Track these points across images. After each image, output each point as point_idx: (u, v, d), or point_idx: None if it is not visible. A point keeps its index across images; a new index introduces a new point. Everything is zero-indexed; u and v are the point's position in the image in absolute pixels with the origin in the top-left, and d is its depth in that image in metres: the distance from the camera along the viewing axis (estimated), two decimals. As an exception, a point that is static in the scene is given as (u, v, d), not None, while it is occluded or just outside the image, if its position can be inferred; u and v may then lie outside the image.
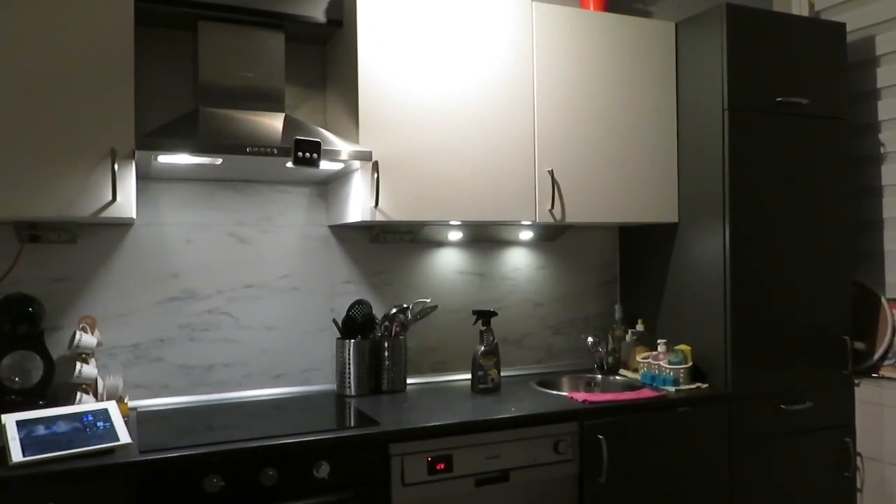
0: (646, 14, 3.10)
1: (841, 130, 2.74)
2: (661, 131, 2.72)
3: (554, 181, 2.52)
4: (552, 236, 2.92)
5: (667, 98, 2.72)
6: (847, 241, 2.75)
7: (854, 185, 2.95)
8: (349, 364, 2.44)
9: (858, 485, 2.76)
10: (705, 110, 2.61)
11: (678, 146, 2.74)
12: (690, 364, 2.54)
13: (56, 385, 2.11)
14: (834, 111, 2.72)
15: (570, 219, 2.54)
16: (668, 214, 2.73)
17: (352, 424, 2.05)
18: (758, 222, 2.56)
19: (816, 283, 2.68)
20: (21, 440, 1.69)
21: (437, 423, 2.05)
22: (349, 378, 2.44)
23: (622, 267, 3.08)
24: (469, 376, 2.67)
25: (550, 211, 2.51)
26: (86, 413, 1.83)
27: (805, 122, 2.66)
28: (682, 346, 2.57)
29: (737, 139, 2.53)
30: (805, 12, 3.20)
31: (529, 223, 2.53)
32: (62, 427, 1.77)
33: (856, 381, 2.77)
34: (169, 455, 1.75)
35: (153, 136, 1.92)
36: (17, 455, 1.65)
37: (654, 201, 2.70)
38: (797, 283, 2.64)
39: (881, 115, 2.88)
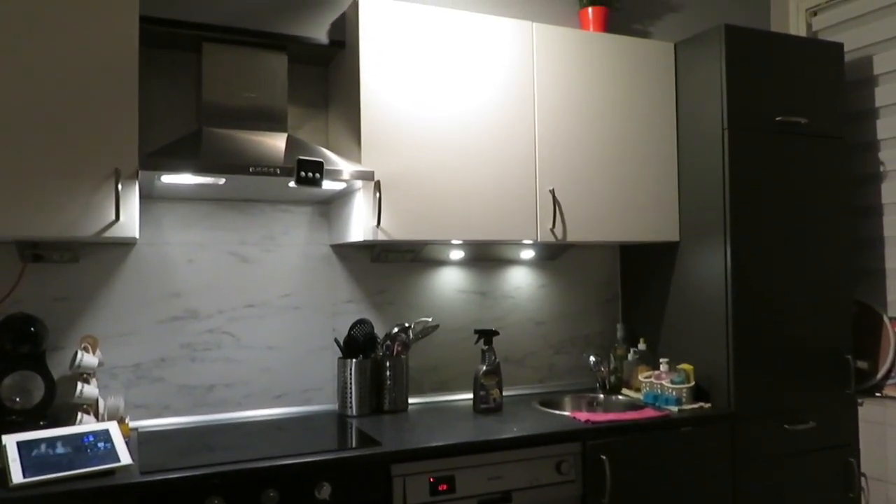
0: (645, 35, 3.13)
1: (840, 149, 2.75)
2: (662, 151, 2.73)
3: (555, 200, 2.52)
4: (553, 255, 2.92)
5: (666, 118, 2.74)
6: (847, 260, 2.75)
7: (853, 203, 2.96)
8: (350, 384, 2.43)
9: (863, 505, 2.74)
10: (705, 130, 2.62)
11: (678, 165, 2.75)
12: (693, 383, 2.54)
13: (57, 405, 2.11)
14: (833, 130, 2.74)
15: (571, 238, 2.55)
16: (669, 233, 2.73)
17: (353, 445, 2.04)
18: (759, 241, 2.57)
19: (818, 302, 2.68)
20: (21, 461, 1.68)
21: (440, 444, 2.04)
22: (350, 398, 2.43)
23: (623, 285, 3.08)
24: (471, 396, 2.66)
25: (552, 230, 2.52)
26: (87, 434, 1.82)
27: (804, 141, 2.68)
28: (685, 366, 2.56)
29: (736, 158, 2.54)
30: (803, 32, 3.23)
31: (531, 242, 2.54)
32: (63, 448, 1.76)
33: (859, 401, 2.76)
34: (170, 476, 1.74)
35: (157, 157, 1.93)
36: (17, 476, 1.64)
37: (654, 220, 2.71)
38: (799, 302, 2.64)
39: (880, 134, 2.90)
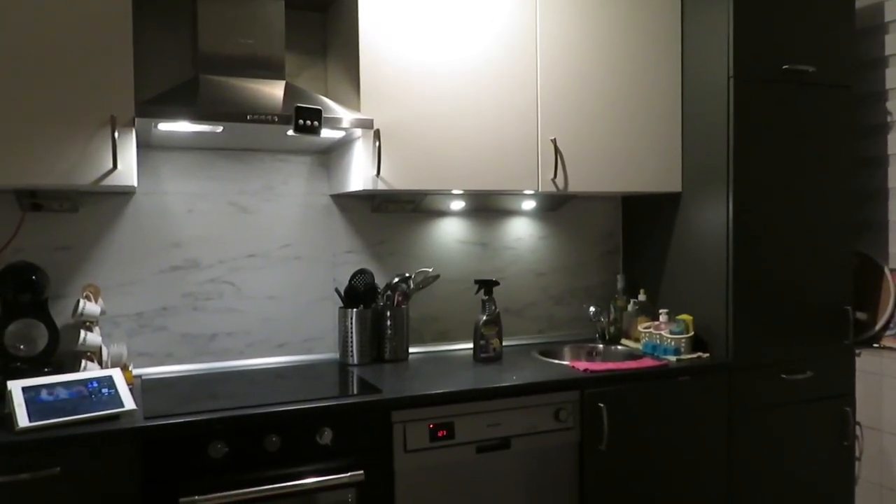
0: (651, -20, 3.05)
1: (847, 99, 2.71)
2: (666, 100, 2.69)
3: (557, 150, 2.50)
4: (554, 206, 2.91)
5: (671, 66, 2.69)
6: (851, 211, 2.74)
7: (859, 154, 2.92)
8: (351, 333, 2.45)
9: (857, 454, 2.78)
10: (710, 78, 2.58)
11: (682, 115, 2.72)
12: (692, 334, 2.55)
13: (61, 353, 2.13)
14: (841, 79, 2.69)
15: (572, 188, 2.53)
16: (672, 184, 2.71)
17: (354, 392, 2.07)
18: (761, 192, 2.55)
19: (819, 253, 2.67)
20: (27, 406, 1.71)
21: (439, 391, 2.07)
22: (351, 347, 2.46)
23: (625, 237, 3.08)
24: (471, 346, 2.69)
25: (553, 180, 2.50)
26: (90, 380, 1.85)
27: (811, 91, 2.63)
28: (684, 316, 2.57)
29: (741, 108, 2.50)
30: (813, -22, 3.14)
31: (532, 192, 2.52)
32: (67, 393, 1.79)
33: (857, 352, 2.77)
34: (174, 421, 1.77)
35: (153, 104, 1.90)
36: (23, 420, 1.67)
37: (657, 171, 2.68)
38: (800, 253, 2.63)
39: (889, 84, 2.85)
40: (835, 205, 2.70)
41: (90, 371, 1.96)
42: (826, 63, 2.65)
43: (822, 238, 2.68)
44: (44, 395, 1.76)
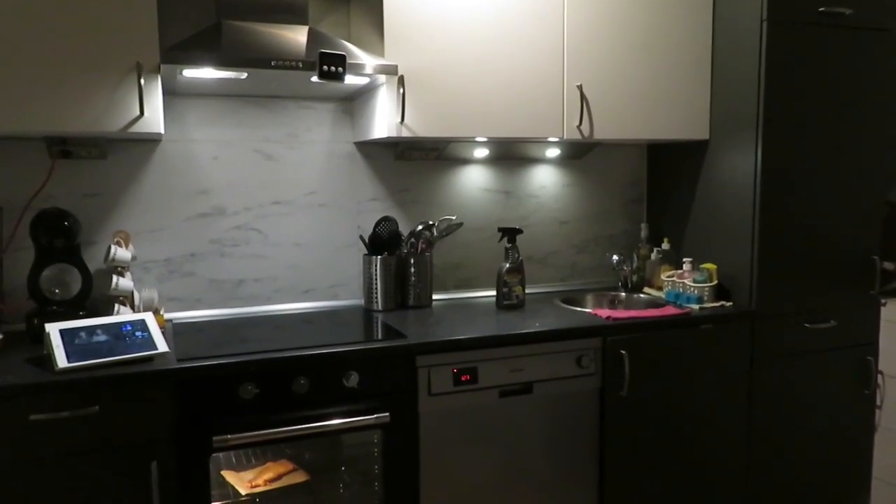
0: (683, -82, 2.94)
1: (886, 42, 2.62)
2: (695, 45, 2.63)
3: (582, 96, 2.46)
4: (579, 154, 2.88)
5: (702, 9, 2.62)
6: (883, 160, 2.68)
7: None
8: (376, 280, 2.48)
9: (878, 402, 2.79)
10: (742, 22, 2.50)
11: (712, 60, 2.65)
12: (715, 283, 2.55)
13: (94, 297, 2.18)
14: (879, 22, 2.60)
15: (598, 135, 2.50)
16: (699, 131, 2.67)
17: (380, 337, 2.11)
18: (792, 140, 2.50)
19: (848, 203, 2.63)
20: (65, 347, 1.77)
21: (463, 337, 2.10)
22: (376, 293, 2.49)
23: (649, 185, 3.05)
24: (494, 293, 2.71)
25: (578, 127, 2.47)
26: (124, 323, 1.90)
27: (848, 34, 2.55)
28: (708, 265, 2.56)
29: (774, 52, 2.44)
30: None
31: (557, 140, 2.50)
32: (103, 336, 1.84)
33: (882, 301, 2.76)
34: (206, 363, 1.82)
35: (177, 50, 1.90)
36: (62, 361, 1.73)
37: (684, 118, 2.64)
38: (828, 202, 2.59)
39: (929, 27, 2.75)
40: (867, 153, 2.64)
41: (123, 315, 2.01)
42: (864, 5, 2.56)
43: (852, 187, 2.63)
44: (80, 337, 1.82)
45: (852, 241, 2.66)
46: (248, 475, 2.13)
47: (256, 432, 1.88)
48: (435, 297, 2.69)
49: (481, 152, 2.71)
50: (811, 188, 2.56)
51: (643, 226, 2.93)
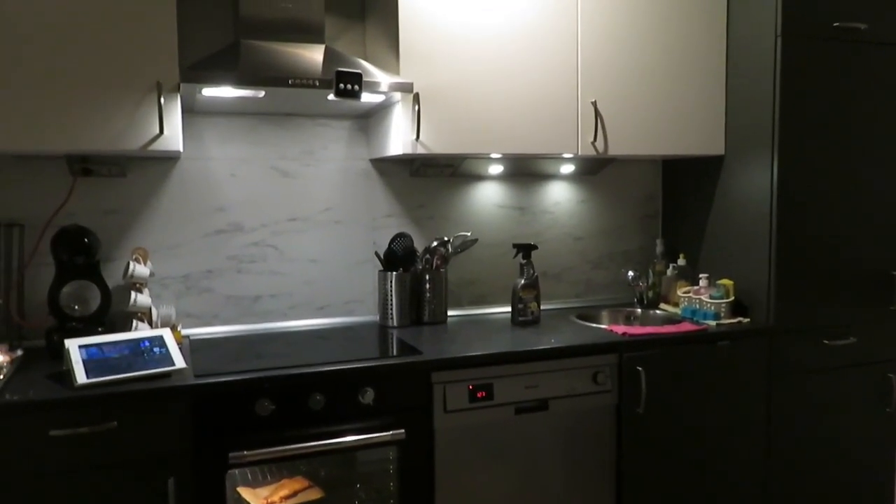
0: (697, -65, 2.95)
1: (901, 57, 2.62)
2: (710, 60, 2.63)
3: (597, 112, 2.47)
4: (594, 170, 2.88)
5: (717, 24, 2.62)
6: (901, 174, 2.66)
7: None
8: (391, 296, 2.49)
9: (899, 420, 2.75)
10: (757, 37, 2.51)
11: (727, 75, 2.65)
12: (732, 298, 2.53)
13: (112, 313, 2.21)
14: (894, 37, 2.59)
15: (613, 151, 2.51)
16: (715, 147, 2.67)
17: (395, 353, 2.11)
18: (808, 155, 2.49)
19: (866, 218, 2.61)
20: (84, 363, 1.78)
21: (479, 353, 2.10)
22: (391, 309, 2.49)
23: (665, 201, 3.04)
24: (509, 309, 2.71)
25: (593, 143, 2.47)
26: (143, 339, 1.92)
27: (863, 49, 2.54)
28: (725, 281, 2.55)
29: (789, 67, 2.43)
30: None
31: (571, 156, 2.51)
32: (121, 352, 1.86)
33: (902, 317, 2.72)
34: (223, 379, 1.83)
35: (197, 69, 1.93)
36: (81, 377, 1.75)
37: (700, 133, 2.64)
38: (846, 218, 2.58)
39: (946, 41, 2.73)
40: (884, 167, 2.62)
41: (141, 331, 2.03)
42: (880, 20, 2.55)
43: (870, 202, 2.61)
44: (99, 352, 1.83)
45: (871, 256, 2.64)
46: (263, 492, 2.13)
47: (272, 448, 1.88)
48: (450, 313, 2.69)
49: (496, 169, 2.72)
50: (828, 203, 2.54)
51: (658, 241, 2.92)
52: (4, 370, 1.84)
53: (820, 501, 2.64)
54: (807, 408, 2.57)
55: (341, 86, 2.01)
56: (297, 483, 2.16)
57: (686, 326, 2.44)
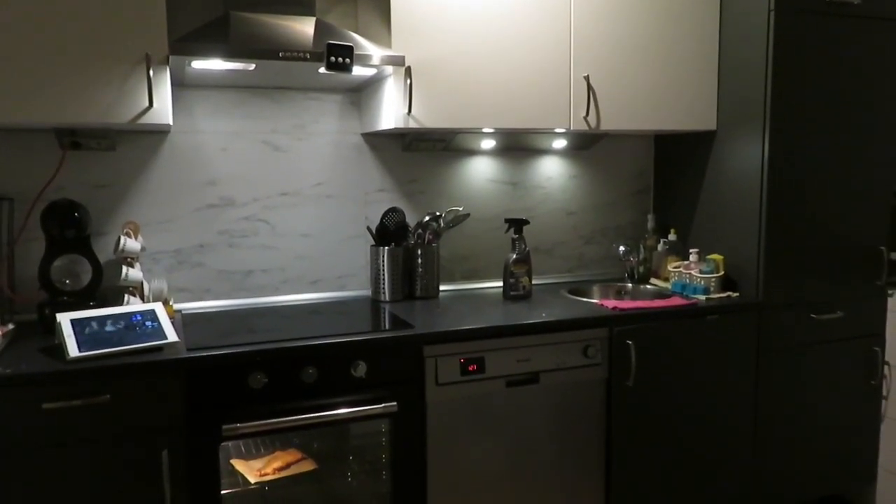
0: None
1: (895, 32, 2.61)
2: (702, 35, 2.62)
3: (589, 87, 2.46)
4: (586, 145, 2.88)
5: (710, -1, 2.61)
6: (891, 151, 2.67)
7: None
8: (383, 270, 2.49)
9: (885, 392, 2.79)
10: (750, 11, 2.49)
11: (719, 50, 2.64)
12: (722, 273, 2.55)
13: (104, 288, 2.20)
14: (888, 11, 2.58)
15: (605, 126, 2.50)
16: (706, 122, 2.67)
17: (387, 327, 2.12)
18: (800, 130, 2.50)
19: (856, 194, 2.63)
20: (76, 337, 1.78)
21: (471, 327, 2.11)
22: (383, 284, 2.50)
23: (656, 176, 3.05)
24: (501, 284, 2.72)
25: (585, 118, 2.47)
26: (134, 313, 1.92)
27: (856, 24, 2.54)
28: (715, 256, 2.57)
29: (782, 42, 2.43)
30: None
31: (563, 131, 2.50)
32: (113, 326, 1.86)
33: (889, 292, 2.75)
34: (216, 353, 1.84)
35: (186, 41, 1.91)
36: (73, 350, 1.75)
37: (691, 109, 2.63)
38: (836, 193, 2.59)
39: (939, 16, 2.73)
40: (875, 144, 2.63)
41: (133, 305, 2.03)
42: (873, -6, 2.55)
43: (861, 178, 2.63)
44: (91, 326, 1.84)
45: (860, 231, 2.66)
46: (256, 464, 2.16)
47: (265, 421, 1.89)
48: (442, 287, 2.71)
49: (488, 143, 2.72)
50: (819, 179, 2.55)
51: (650, 217, 2.93)
52: (-4, 344, 1.84)
53: (807, 471, 2.69)
54: (794, 380, 2.61)
55: (332, 59, 1.99)
56: (290, 455, 2.19)
57: (676, 301, 2.46)
